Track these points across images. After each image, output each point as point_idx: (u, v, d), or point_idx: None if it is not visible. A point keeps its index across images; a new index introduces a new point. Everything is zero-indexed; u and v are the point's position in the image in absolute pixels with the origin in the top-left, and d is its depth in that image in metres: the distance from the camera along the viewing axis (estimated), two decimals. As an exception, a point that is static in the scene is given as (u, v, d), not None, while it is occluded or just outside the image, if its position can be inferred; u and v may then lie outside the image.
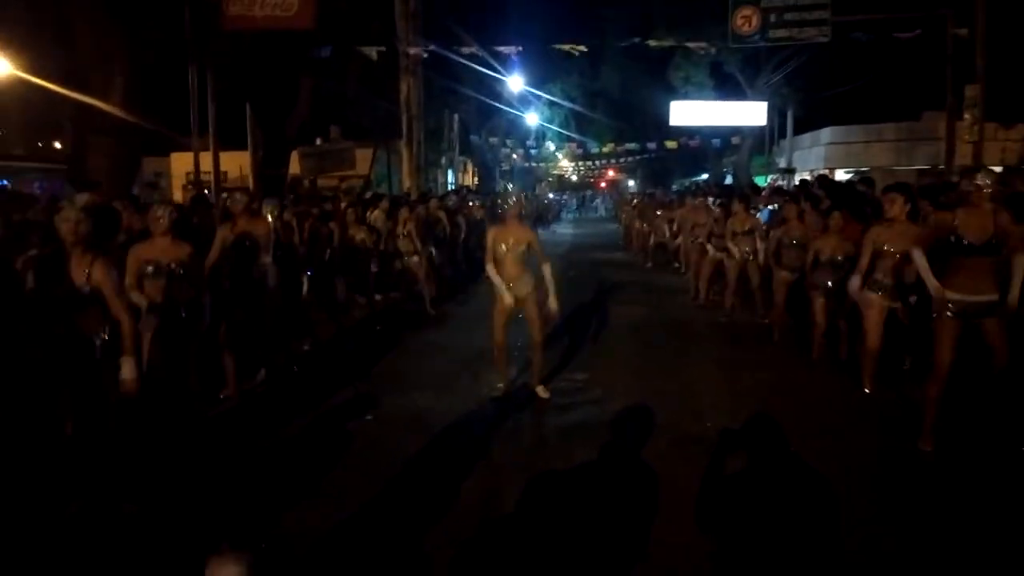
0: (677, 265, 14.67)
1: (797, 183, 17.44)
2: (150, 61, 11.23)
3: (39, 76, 11.43)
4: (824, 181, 11.21)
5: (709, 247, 10.47)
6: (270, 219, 7.22)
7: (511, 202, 6.68)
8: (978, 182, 4.73)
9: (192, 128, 12.46)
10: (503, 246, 6.12)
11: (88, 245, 4.16)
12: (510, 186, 33.15)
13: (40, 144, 29.33)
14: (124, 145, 10.64)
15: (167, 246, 5.22)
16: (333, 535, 3.93)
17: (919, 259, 4.96)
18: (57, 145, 29.68)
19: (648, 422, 5.60)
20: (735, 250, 9.24)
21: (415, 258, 10.60)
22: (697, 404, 6.06)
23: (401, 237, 10.63)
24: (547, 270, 6.22)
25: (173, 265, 5.19)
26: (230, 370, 6.18)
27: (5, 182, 17.80)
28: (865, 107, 24.79)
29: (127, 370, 4.20)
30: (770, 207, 10.96)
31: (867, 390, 6.18)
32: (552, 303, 6.17)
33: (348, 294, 10.10)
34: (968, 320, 4.78)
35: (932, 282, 4.87)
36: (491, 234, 6.27)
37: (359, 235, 10.20)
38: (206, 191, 13.61)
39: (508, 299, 6.10)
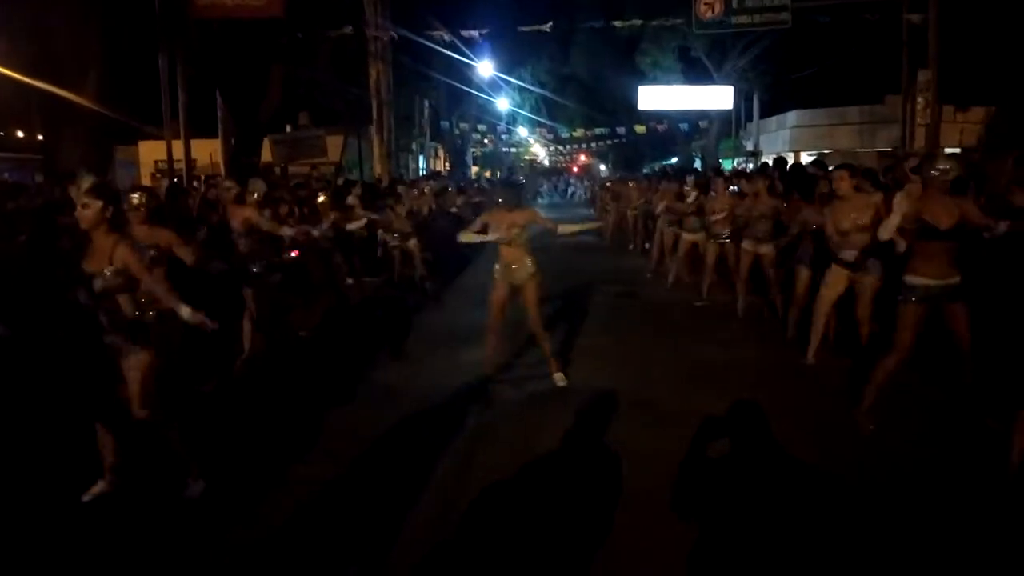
0: (633, 247, 15.18)
1: (759, 166, 17.86)
2: (123, 51, 11.27)
3: (7, 65, 11.41)
4: (779, 163, 11.60)
5: (683, 232, 10.45)
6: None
7: (501, 192, 6.74)
8: (941, 167, 4.67)
9: (163, 116, 12.52)
10: (498, 233, 5.97)
11: (112, 226, 4.07)
12: (492, 173, 33.10)
13: (4, 133, 28.97)
14: (96, 134, 10.71)
15: (145, 233, 5.24)
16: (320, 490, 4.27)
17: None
18: (20, 134, 29.25)
19: (616, 397, 5.78)
20: (719, 222, 9.14)
21: (412, 241, 10.58)
22: (672, 382, 6.25)
23: (400, 219, 10.59)
24: (563, 228, 6.41)
25: (152, 252, 5.24)
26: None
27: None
28: (829, 91, 25.06)
29: (186, 313, 4.06)
30: (731, 189, 11.29)
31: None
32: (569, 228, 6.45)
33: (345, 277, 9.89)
34: (932, 304, 4.75)
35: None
36: (485, 217, 6.36)
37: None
38: (176, 179, 13.69)
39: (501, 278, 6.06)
